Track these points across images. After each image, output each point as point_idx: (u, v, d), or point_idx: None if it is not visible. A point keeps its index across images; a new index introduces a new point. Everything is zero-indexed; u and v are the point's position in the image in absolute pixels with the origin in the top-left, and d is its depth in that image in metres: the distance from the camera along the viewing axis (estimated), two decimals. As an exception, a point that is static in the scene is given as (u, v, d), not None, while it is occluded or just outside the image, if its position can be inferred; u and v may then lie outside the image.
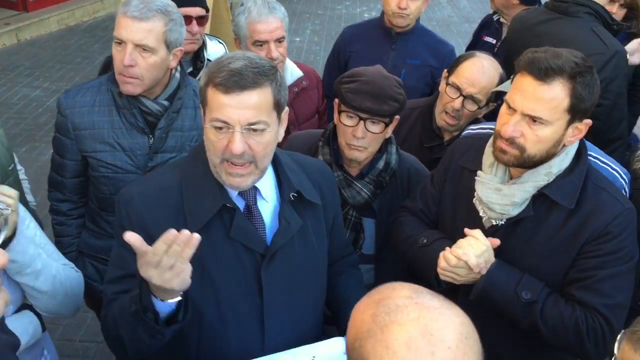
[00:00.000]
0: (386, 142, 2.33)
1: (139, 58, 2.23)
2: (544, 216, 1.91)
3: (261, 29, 2.76)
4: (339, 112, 2.24)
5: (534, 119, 1.79)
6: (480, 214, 1.98)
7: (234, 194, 1.73)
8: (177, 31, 2.32)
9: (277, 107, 1.65)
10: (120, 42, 2.24)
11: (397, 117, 2.27)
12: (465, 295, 1.95)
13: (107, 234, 2.46)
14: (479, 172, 1.99)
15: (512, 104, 1.82)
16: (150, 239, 1.48)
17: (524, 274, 1.91)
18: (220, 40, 3.54)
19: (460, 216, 2.08)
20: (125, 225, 1.66)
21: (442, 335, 0.96)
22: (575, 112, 1.78)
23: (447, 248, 1.91)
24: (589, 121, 1.85)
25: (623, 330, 1.44)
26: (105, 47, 8.16)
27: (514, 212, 1.92)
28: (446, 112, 2.61)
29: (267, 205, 1.78)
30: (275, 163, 1.81)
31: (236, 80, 1.56)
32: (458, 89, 2.57)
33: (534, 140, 1.81)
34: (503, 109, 1.87)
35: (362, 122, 2.18)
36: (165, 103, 2.36)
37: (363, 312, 1.05)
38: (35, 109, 6.68)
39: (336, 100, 2.27)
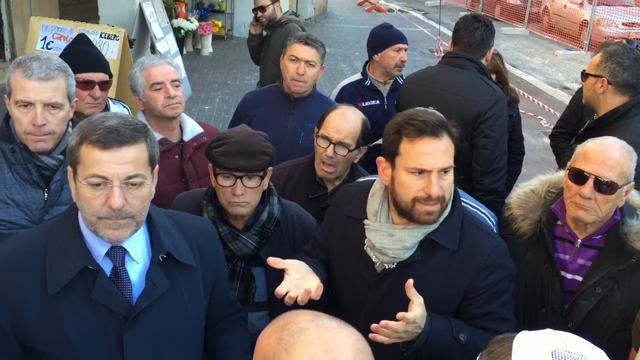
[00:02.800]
0: (268, 194, 2.51)
1: (49, 115, 2.32)
2: (430, 258, 2.11)
3: (156, 71, 2.95)
4: (215, 175, 2.39)
5: (445, 171, 2.04)
6: (373, 259, 2.15)
7: (100, 256, 1.73)
8: (73, 84, 2.45)
9: (152, 162, 1.74)
10: (27, 105, 2.31)
11: (271, 168, 2.46)
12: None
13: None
14: (366, 221, 2.18)
15: (424, 167, 2.01)
16: (6, 304, 1.53)
17: (448, 318, 2.09)
18: (125, 105, 3.65)
19: (350, 263, 2.25)
20: None
21: (341, 350, 1.09)
22: (455, 156, 2.08)
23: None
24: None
25: (481, 353, 1.61)
26: None
27: (405, 255, 2.10)
28: (323, 162, 2.85)
29: (137, 266, 1.78)
30: (149, 223, 1.82)
31: (113, 136, 1.63)
32: (327, 138, 2.83)
33: (448, 188, 2.06)
34: (410, 178, 2.03)
35: (238, 180, 2.33)
36: (60, 157, 2.41)
37: (268, 337, 1.15)
38: None
39: (210, 164, 2.42)
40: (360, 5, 23.27)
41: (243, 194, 2.35)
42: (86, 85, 3.01)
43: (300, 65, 3.49)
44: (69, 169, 1.71)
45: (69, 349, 1.69)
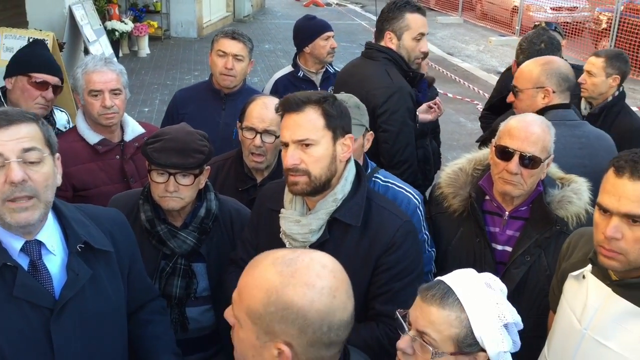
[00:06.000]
0: (205, 191, 2.53)
1: None
2: (341, 239, 2.18)
3: (96, 78, 2.91)
4: (149, 171, 2.40)
5: (306, 144, 2.08)
6: (287, 245, 2.21)
7: (15, 252, 1.73)
8: None
9: (49, 145, 1.76)
10: None
11: (208, 167, 2.49)
12: None
13: None
14: (282, 210, 2.24)
15: (285, 140, 2.12)
16: None
17: None
18: (63, 109, 3.65)
19: None
20: None
21: (332, 266, 1.37)
22: (332, 128, 2.10)
23: None
24: (351, 135, 2.17)
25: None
26: None
27: (313, 238, 2.17)
28: (252, 153, 2.88)
29: (56, 259, 1.79)
30: (60, 217, 1.84)
31: (2, 117, 1.68)
32: (252, 129, 2.86)
33: (313, 160, 2.09)
34: (283, 152, 2.14)
35: (172, 177, 2.35)
36: None
37: (265, 274, 1.32)
38: None
39: (146, 161, 2.42)
40: (298, 1, 23.32)
41: (176, 191, 2.36)
42: (40, 85, 3.09)
43: (229, 60, 3.50)
44: None
45: None
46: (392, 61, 3.34)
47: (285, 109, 2.11)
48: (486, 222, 2.55)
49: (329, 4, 22.62)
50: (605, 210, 1.85)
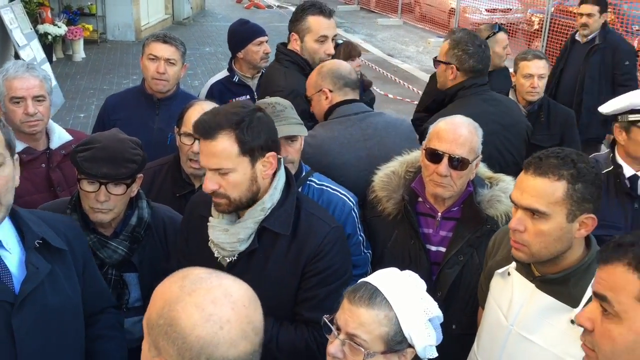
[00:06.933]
0: (136, 199, 2.47)
1: None
2: (271, 247, 2.17)
3: (18, 85, 2.81)
4: (79, 180, 2.33)
5: (223, 173, 2.05)
6: (215, 254, 2.18)
7: None
8: None
9: (10, 147, 1.78)
10: None
11: (141, 175, 2.42)
12: None
13: None
14: (210, 218, 2.21)
15: (201, 164, 2.12)
16: None
17: None
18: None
19: (202, 261, 2.22)
20: None
21: (238, 295, 1.25)
22: (248, 152, 2.05)
23: None
24: (273, 153, 2.13)
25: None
26: None
27: (242, 247, 2.15)
28: (190, 159, 2.83)
29: (12, 257, 1.82)
30: (14, 216, 1.86)
31: None
32: (190, 135, 2.78)
33: (231, 186, 2.07)
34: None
35: (102, 186, 2.29)
36: None
37: (169, 286, 1.26)
38: None
39: (75, 170, 2.35)
40: (239, 3, 23.13)
41: (107, 201, 2.30)
42: None
43: (160, 64, 3.44)
44: None
45: None
46: (295, 63, 3.43)
47: (198, 134, 2.07)
48: (420, 223, 2.58)
49: (270, 6, 22.55)
50: (515, 204, 1.95)
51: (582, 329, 1.88)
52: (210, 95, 4.10)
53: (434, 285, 2.52)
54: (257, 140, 2.06)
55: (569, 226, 1.89)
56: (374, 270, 2.70)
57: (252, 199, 2.12)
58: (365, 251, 2.71)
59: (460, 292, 2.51)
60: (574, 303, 1.91)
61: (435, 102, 3.53)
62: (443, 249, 2.55)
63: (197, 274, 1.28)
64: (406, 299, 1.69)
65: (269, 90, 3.23)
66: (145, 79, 3.55)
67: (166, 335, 1.21)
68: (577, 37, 5.99)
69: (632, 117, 2.83)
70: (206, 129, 2.02)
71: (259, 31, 4.29)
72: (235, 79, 4.29)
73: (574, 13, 12.30)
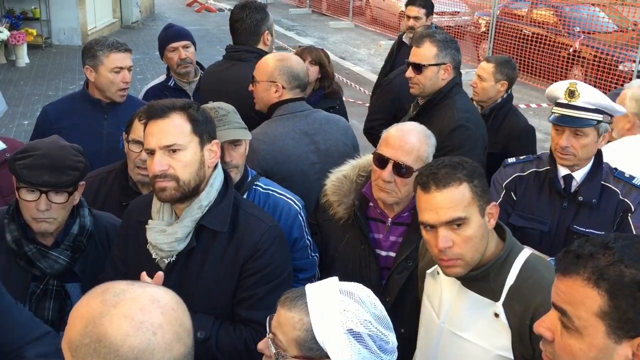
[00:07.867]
0: (78, 207, 2.40)
1: None
2: (209, 246, 2.16)
3: None
4: (18, 189, 2.25)
5: (174, 150, 2.04)
6: (153, 256, 2.15)
7: None
8: None
9: None
10: None
11: (83, 183, 2.36)
12: None
13: None
14: (149, 220, 2.18)
15: (149, 146, 2.08)
16: None
17: (195, 314, 2.07)
18: None
19: (140, 265, 2.17)
20: None
21: (166, 300, 1.23)
22: (199, 133, 2.09)
23: None
24: (217, 141, 2.17)
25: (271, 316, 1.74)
26: None
27: (180, 247, 2.13)
28: (138, 167, 2.76)
29: None
30: None
31: None
32: (139, 142, 2.66)
33: (181, 165, 2.06)
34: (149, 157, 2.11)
35: (43, 195, 2.22)
36: None
37: (88, 304, 1.20)
38: None
39: (14, 177, 2.27)
40: (190, 6, 22.83)
41: (48, 210, 2.23)
42: None
43: (126, 74, 3.41)
44: None
45: None
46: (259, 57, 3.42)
47: (149, 116, 2.08)
48: (370, 228, 2.59)
49: (221, 10, 22.32)
50: (431, 227, 1.95)
51: (506, 322, 1.91)
52: (145, 100, 4.02)
53: (384, 290, 2.53)
54: (206, 125, 2.11)
55: (484, 221, 1.96)
56: (322, 274, 2.71)
57: (197, 188, 2.10)
58: (313, 254, 2.71)
59: (409, 297, 2.52)
60: (495, 297, 1.96)
61: (423, 107, 3.51)
62: (393, 254, 2.56)
63: (117, 286, 1.24)
64: (325, 308, 1.62)
65: (244, 90, 3.21)
66: (106, 91, 3.43)
67: (95, 352, 1.15)
68: (405, 39, 5.81)
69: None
70: (158, 110, 2.04)
71: (173, 37, 4.21)
72: (171, 83, 4.25)
73: (520, 16, 12.68)
